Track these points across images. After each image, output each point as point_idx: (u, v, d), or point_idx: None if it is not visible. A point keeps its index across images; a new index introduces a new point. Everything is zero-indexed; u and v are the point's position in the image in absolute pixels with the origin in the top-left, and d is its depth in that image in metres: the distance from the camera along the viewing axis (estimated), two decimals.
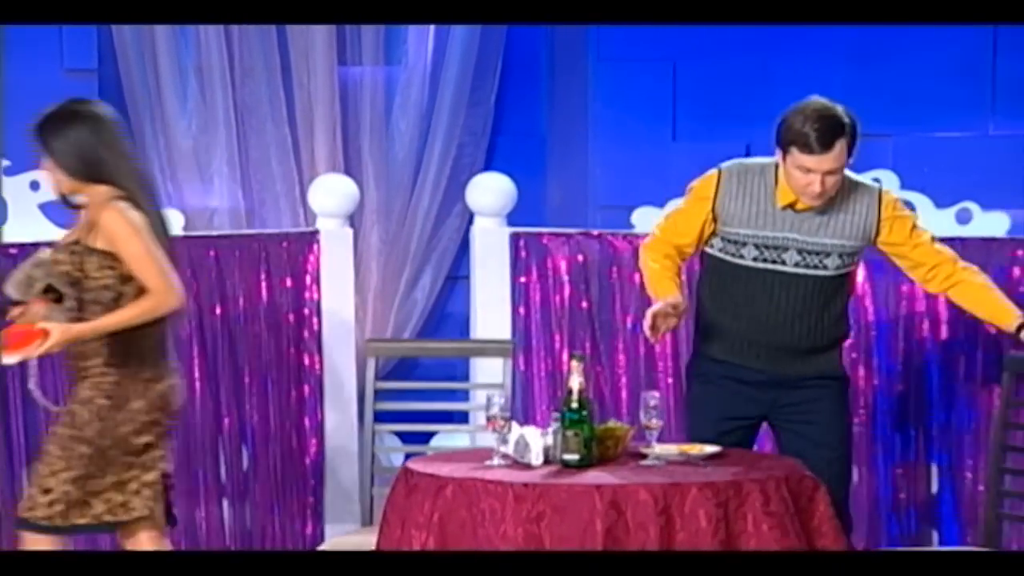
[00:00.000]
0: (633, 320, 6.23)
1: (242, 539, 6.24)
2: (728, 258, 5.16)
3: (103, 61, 6.56)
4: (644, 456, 4.96)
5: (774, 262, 5.12)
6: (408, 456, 5.57)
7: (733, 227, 5.14)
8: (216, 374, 6.20)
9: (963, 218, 6.09)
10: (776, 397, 5.17)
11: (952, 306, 5.94)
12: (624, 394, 6.18)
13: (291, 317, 6.25)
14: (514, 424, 5.02)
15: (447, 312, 6.72)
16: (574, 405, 4.88)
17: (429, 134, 6.65)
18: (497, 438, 4.96)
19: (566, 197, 6.77)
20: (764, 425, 5.29)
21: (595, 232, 6.32)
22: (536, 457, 4.91)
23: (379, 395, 5.91)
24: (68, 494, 4.88)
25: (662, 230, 5.27)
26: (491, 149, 6.75)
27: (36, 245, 5.41)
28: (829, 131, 4.98)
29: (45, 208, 6.36)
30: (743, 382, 5.18)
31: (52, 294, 4.90)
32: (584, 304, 6.27)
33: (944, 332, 6.06)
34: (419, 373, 6.54)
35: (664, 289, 5.13)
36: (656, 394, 4.99)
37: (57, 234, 5.66)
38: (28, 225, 6.34)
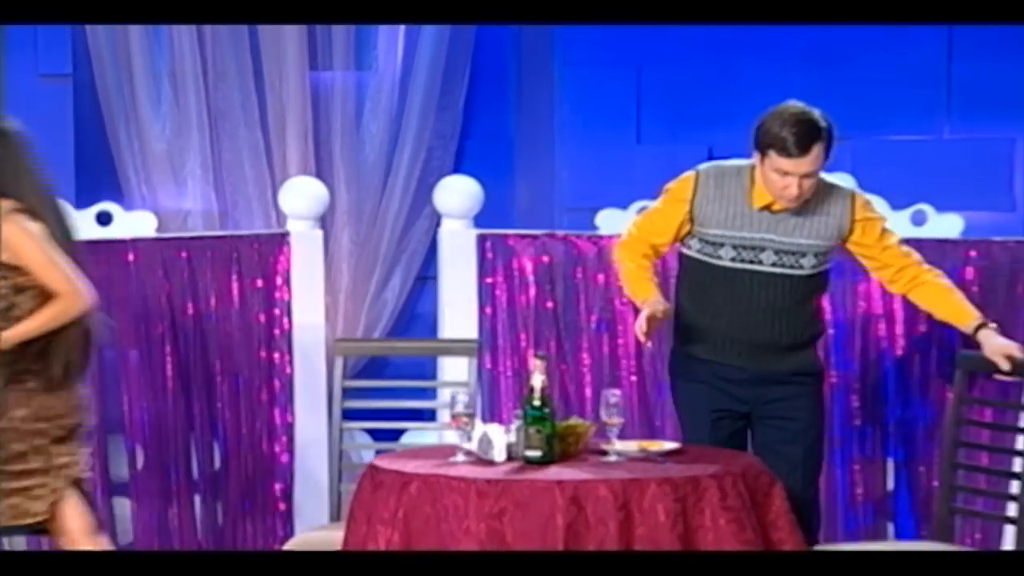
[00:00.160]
0: (597, 319, 6.25)
1: (213, 536, 6.24)
2: (706, 259, 5.18)
3: (78, 66, 6.55)
4: (605, 453, 4.97)
5: (751, 262, 5.14)
6: (379, 453, 5.58)
7: (710, 228, 5.16)
8: (188, 373, 6.20)
9: (918, 220, 6.11)
10: (758, 394, 5.19)
11: (908, 307, 5.98)
12: (588, 392, 6.19)
13: (262, 317, 6.25)
14: (478, 421, 5.04)
15: (417, 312, 6.74)
16: (536, 403, 4.89)
17: (399, 138, 6.66)
18: (461, 435, 4.98)
19: (533, 199, 6.78)
20: None
21: (560, 234, 6.33)
22: (499, 454, 4.92)
23: (348, 393, 5.90)
24: None
25: (639, 229, 5.28)
26: (460, 152, 6.77)
27: None
28: (807, 135, 5.00)
29: None
30: (726, 380, 5.20)
31: None
32: (549, 304, 6.28)
33: (900, 332, 6.08)
34: (389, 372, 6.55)
35: (644, 290, 5.16)
36: (617, 392, 5.01)
37: None
38: None
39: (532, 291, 6.29)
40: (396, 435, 6.27)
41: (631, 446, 5.03)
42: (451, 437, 5.05)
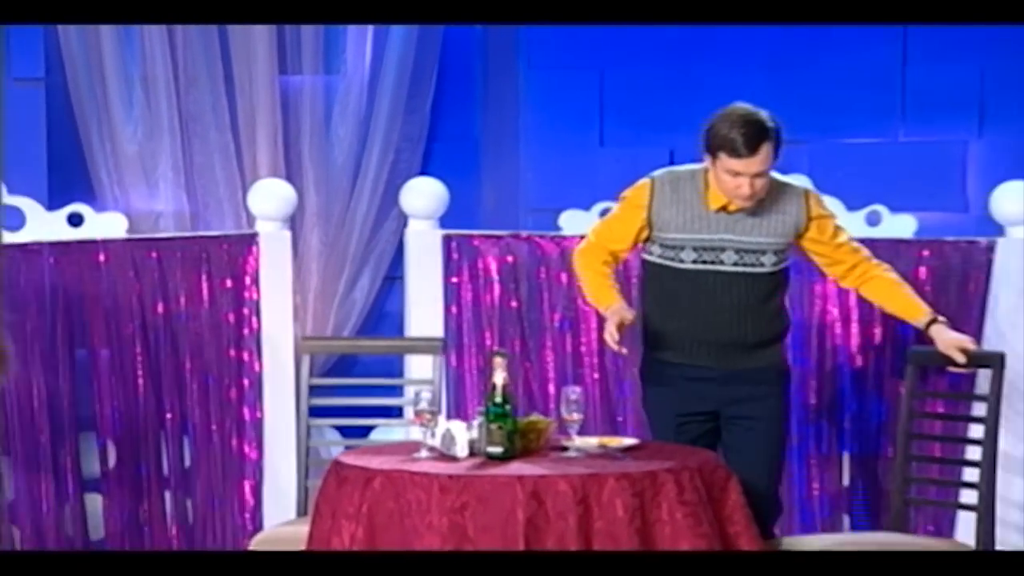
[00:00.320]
0: (560, 318, 6.26)
1: (183, 531, 6.24)
2: (668, 263, 5.18)
3: (50, 71, 6.54)
4: (565, 448, 4.99)
5: (713, 263, 5.14)
6: (348, 450, 5.58)
7: (669, 232, 5.16)
8: (159, 371, 6.19)
9: (872, 220, 6.13)
10: (726, 394, 5.19)
11: (863, 306, 6.02)
12: (552, 389, 6.19)
13: (231, 316, 6.24)
14: (441, 418, 5.06)
15: (385, 311, 6.74)
16: (498, 400, 4.91)
17: (367, 140, 6.67)
18: (424, 432, 4.99)
19: (499, 200, 6.79)
20: None
21: (524, 234, 6.34)
22: (462, 450, 4.94)
23: (316, 391, 5.92)
24: None
25: (598, 236, 5.29)
26: (427, 154, 6.77)
27: None
28: (755, 135, 5.02)
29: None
30: (695, 380, 5.20)
31: None
32: (513, 303, 6.29)
33: (855, 331, 6.11)
34: (358, 370, 6.55)
35: (606, 297, 5.16)
36: (577, 389, 5.03)
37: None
38: None
39: (497, 290, 6.30)
40: (364, 432, 6.27)
41: (591, 442, 5.05)
42: (417, 434, 5.05)
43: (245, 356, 6.26)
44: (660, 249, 5.19)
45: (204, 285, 6.23)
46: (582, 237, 6.21)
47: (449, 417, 5.74)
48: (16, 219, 6.19)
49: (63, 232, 6.22)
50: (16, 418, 6.03)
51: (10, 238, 6.07)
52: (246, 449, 6.27)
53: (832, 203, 5.59)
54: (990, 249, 5.95)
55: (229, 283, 6.25)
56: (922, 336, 5.87)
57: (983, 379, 5.71)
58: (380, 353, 6.38)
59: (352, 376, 6.38)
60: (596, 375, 6.24)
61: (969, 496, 5.47)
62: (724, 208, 5.12)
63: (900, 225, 6.10)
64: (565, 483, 4.70)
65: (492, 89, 6.78)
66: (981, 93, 6.43)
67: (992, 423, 5.27)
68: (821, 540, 5.39)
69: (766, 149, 5.02)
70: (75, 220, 6.29)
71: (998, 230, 6.03)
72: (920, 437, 5.56)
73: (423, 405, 5.00)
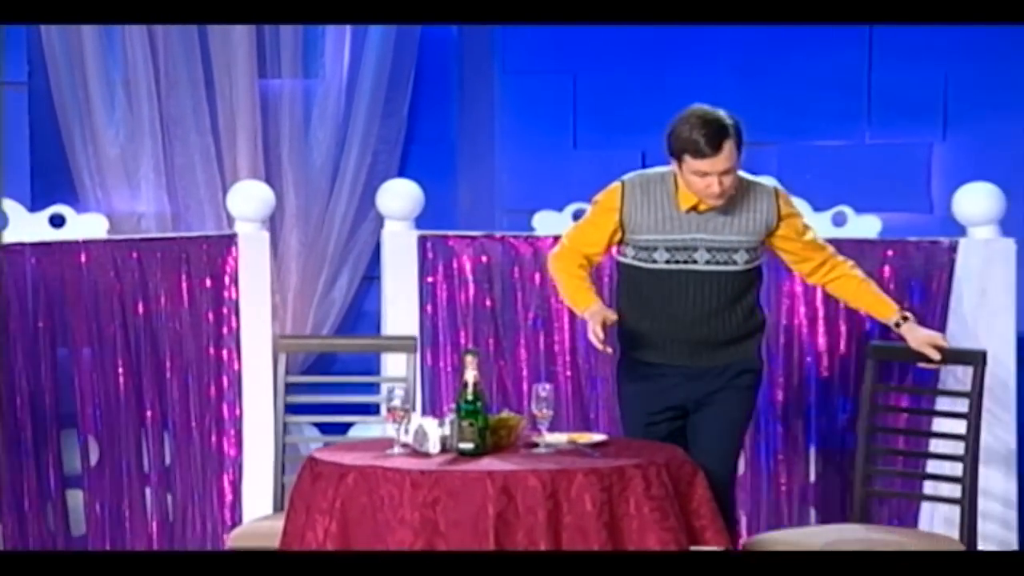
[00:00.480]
0: (533, 317, 6.28)
1: (164, 526, 6.25)
2: (641, 264, 5.19)
3: (33, 74, 6.55)
4: (536, 445, 5.01)
5: (686, 262, 5.15)
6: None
7: (642, 234, 5.17)
8: (139, 369, 6.20)
9: (838, 220, 6.16)
10: (697, 388, 5.20)
11: (828, 304, 6.05)
12: (525, 387, 6.21)
13: (210, 316, 6.25)
14: (413, 415, 5.07)
15: (363, 310, 6.76)
16: (469, 397, 4.93)
17: (345, 143, 6.68)
18: (397, 428, 5.00)
19: (474, 201, 6.82)
20: None
21: (498, 235, 6.36)
22: (434, 446, 4.95)
23: (296, 389, 5.93)
24: None
25: (571, 240, 5.29)
26: (404, 157, 6.79)
27: None
28: (716, 134, 5.03)
29: None
30: (667, 377, 5.20)
31: None
32: (488, 302, 6.31)
33: (821, 328, 6.13)
34: (337, 368, 6.56)
35: (584, 299, 5.17)
36: (547, 386, 5.05)
37: None
38: None
39: (471, 290, 6.31)
40: (343, 429, 6.28)
41: (561, 438, 5.07)
42: (391, 430, 5.07)
43: (224, 354, 6.27)
44: (633, 251, 5.20)
45: (184, 285, 6.24)
46: (556, 238, 6.25)
47: (426, 414, 5.76)
48: None
49: (45, 233, 6.23)
50: None
51: None
52: (225, 446, 6.27)
53: (799, 204, 5.60)
54: (952, 249, 5.98)
55: (208, 283, 6.26)
56: (887, 332, 5.92)
57: (946, 374, 5.76)
58: (355, 351, 6.40)
59: (331, 374, 6.39)
60: (568, 373, 6.26)
61: (931, 488, 5.54)
62: (695, 208, 5.14)
63: (865, 226, 6.13)
64: (535, 478, 4.72)
65: (468, 93, 6.80)
66: (945, 96, 6.47)
67: (975, 419, 5.32)
68: (787, 535, 5.43)
69: (729, 146, 5.04)
70: (57, 221, 6.29)
71: (961, 231, 6.06)
72: (881, 430, 5.59)
73: (396, 402, 5.01)
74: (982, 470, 5.37)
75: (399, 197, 6.40)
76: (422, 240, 6.34)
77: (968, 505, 5.30)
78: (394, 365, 6.12)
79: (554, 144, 6.72)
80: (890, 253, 5.99)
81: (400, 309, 6.32)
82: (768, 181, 5.30)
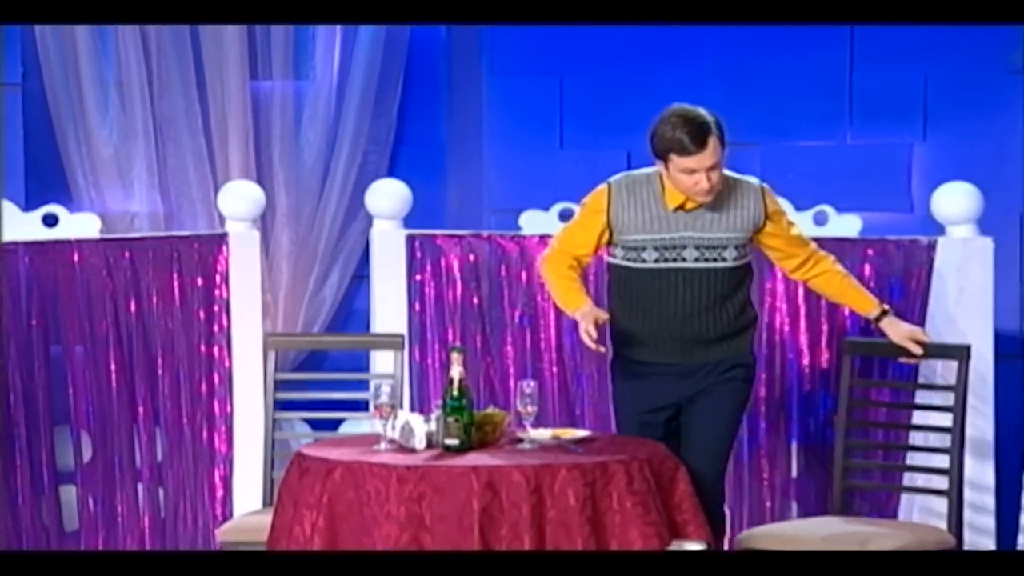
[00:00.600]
0: (520, 315, 6.29)
1: (156, 521, 6.25)
2: (631, 264, 5.18)
3: (28, 76, 6.56)
4: (520, 440, 5.02)
5: (675, 260, 5.14)
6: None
7: (630, 234, 5.16)
8: (131, 366, 6.21)
9: (819, 220, 6.17)
10: (689, 385, 5.19)
11: (809, 301, 6.06)
12: (512, 383, 6.22)
13: (202, 314, 6.25)
14: (400, 411, 5.08)
15: (354, 308, 6.77)
16: (455, 394, 4.94)
17: (336, 143, 6.69)
18: (384, 424, 5.01)
19: (463, 201, 6.83)
20: None
21: (485, 234, 6.37)
22: (420, 442, 4.96)
23: (288, 385, 5.95)
24: None
25: (561, 243, 5.27)
26: (394, 157, 6.80)
27: None
28: (699, 131, 5.03)
29: None
30: (660, 375, 5.19)
31: None
32: (475, 300, 6.31)
33: (803, 325, 6.15)
34: (328, 365, 6.58)
35: (574, 300, 5.15)
36: (532, 383, 5.05)
37: None
38: None
39: (459, 288, 6.32)
40: (334, 425, 6.29)
41: (545, 434, 5.08)
42: (378, 426, 5.08)
43: (215, 352, 6.28)
44: (623, 251, 5.19)
45: (175, 283, 6.25)
46: (542, 237, 6.28)
47: (414, 410, 5.78)
48: None
49: (38, 232, 6.24)
50: None
51: None
52: (216, 442, 6.28)
53: (782, 203, 5.63)
54: (931, 248, 5.99)
55: (200, 281, 6.27)
56: (867, 329, 5.94)
57: (926, 369, 5.79)
58: (343, 349, 6.41)
59: (322, 371, 6.40)
60: (555, 369, 6.27)
61: (911, 479, 5.58)
62: (682, 207, 5.13)
63: (846, 225, 6.15)
64: (519, 474, 4.73)
65: (456, 94, 6.81)
66: (925, 97, 6.48)
67: (960, 412, 5.35)
68: (770, 529, 5.45)
69: (713, 141, 5.04)
70: (50, 221, 6.30)
71: (940, 230, 6.08)
72: (858, 424, 5.62)
73: (383, 399, 5.02)
74: (942, 459, 5.42)
75: (387, 197, 6.41)
76: (410, 239, 6.35)
77: (956, 496, 5.34)
78: (383, 362, 6.13)
79: (541, 144, 6.73)
80: (870, 252, 6.00)
81: (389, 307, 6.33)
82: (753, 179, 5.31)
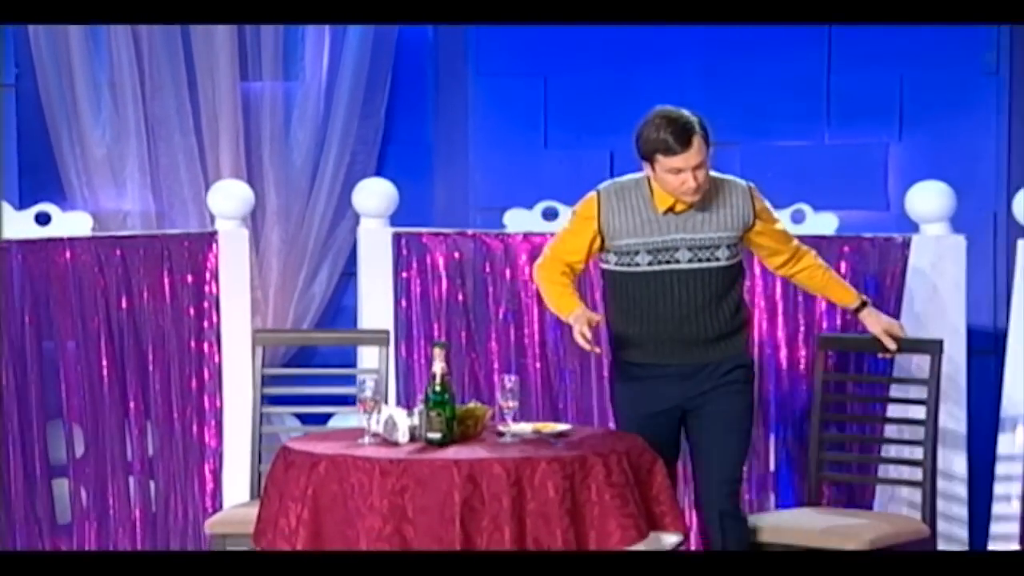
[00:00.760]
0: (504, 311, 6.30)
1: (147, 514, 6.25)
2: (625, 268, 5.14)
3: (21, 76, 6.57)
4: (501, 434, 5.03)
5: (668, 262, 5.10)
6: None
7: (622, 239, 5.12)
8: (123, 362, 6.21)
9: (797, 218, 6.18)
10: (689, 387, 5.13)
11: (786, 298, 6.07)
12: (496, 378, 6.22)
13: (192, 310, 6.26)
14: (384, 405, 5.09)
15: (343, 305, 6.78)
16: (437, 388, 4.95)
17: (325, 143, 6.70)
18: (367, 418, 5.02)
19: (449, 199, 6.84)
20: None
21: (470, 232, 6.38)
22: (403, 436, 4.97)
23: (277, 381, 5.96)
24: None
25: (553, 251, 5.23)
26: (381, 157, 6.81)
27: None
28: (683, 130, 5.02)
29: None
30: (660, 378, 5.14)
31: None
32: (460, 297, 6.32)
33: (780, 323, 6.16)
34: (317, 360, 6.59)
35: (567, 305, 5.12)
36: (513, 377, 5.06)
37: None
38: None
39: (444, 285, 6.33)
40: (323, 419, 6.30)
41: (526, 428, 5.08)
42: (363, 420, 5.08)
43: (205, 348, 6.29)
44: (616, 257, 5.15)
45: (166, 281, 6.26)
46: (526, 235, 6.29)
47: (401, 405, 5.78)
48: None
49: (31, 231, 6.24)
50: None
51: None
52: (206, 436, 6.29)
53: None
54: (906, 245, 6.01)
55: (190, 279, 6.27)
56: (843, 323, 5.97)
57: (903, 362, 5.81)
58: (329, 344, 6.42)
59: (312, 366, 6.41)
60: (538, 364, 6.28)
61: (886, 471, 5.60)
62: (672, 209, 5.10)
63: (822, 223, 6.16)
64: (500, 466, 4.74)
65: (443, 95, 6.82)
66: (901, 98, 6.50)
67: (933, 405, 5.37)
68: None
69: (697, 140, 5.02)
70: (42, 219, 6.31)
71: (914, 228, 6.09)
72: (830, 417, 5.64)
73: (367, 393, 5.03)
74: (914, 450, 5.45)
75: (374, 195, 6.42)
76: (397, 237, 6.36)
77: (929, 487, 5.36)
78: (370, 358, 6.14)
79: (526, 144, 6.74)
80: (846, 249, 6.02)
81: (376, 303, 6.34)
82: (740, 179, 5.30)
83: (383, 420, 5.00)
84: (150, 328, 6.23)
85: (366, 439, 4.99)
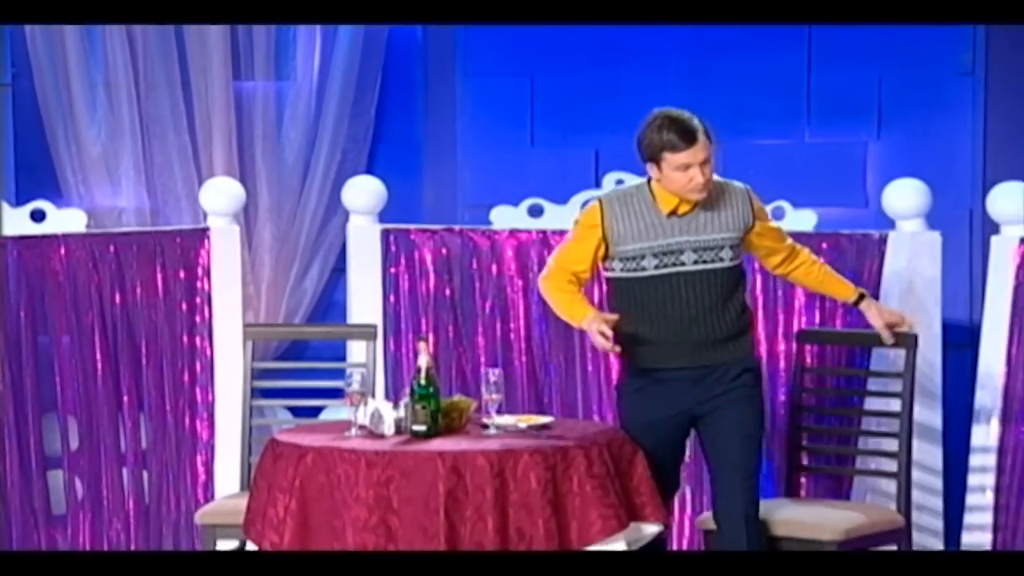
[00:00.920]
0: (491, 306, 6.30)
1: (140, 505, 6.26)
2: (631, 274, 5.07)
3: (18, 76, 6.58)
4: (485, 426, 5.04)
5: (674, 265, 5.04)
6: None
7: (628, 244, 5.05)
8: (116, 356, 6.22)
9: (777, 215, 6.16)
10: (702, 390, 5.06)
11: (767, 295, 6.08)
12: (483, 371, 6.22)
13: (184, 305, 6.27)
14: (370, 398, 5.10)
15: (333, 300, 6.79)
16: (422, 381, 4.97)
17: (316, 142, 6.71)
18: (354, 411, 5.04)
19: (438, 197, 6.85)
20: None
21: (456, 228, 6.39)
22: (389, 428, 4.99)
23: (267, 374, 5.97)
24: None
25: (557, 262, 5.15)
26: (371, 155, 6.82)
27: None
28: (687, 127, 5.00)
29: None
30: (669, 382, 5.06)
31: None
32: (447, 292, 6.33)
33: (760, 318, 6.15)
34: (309, 354, 6.60)
35: (580, 311, 5.05)
36: (497, 371, 5.07)
37: None
38: None
39: (432, 280, 6.34)
40: (314, 412, 6.31)
41: (508, 420, 5.10)
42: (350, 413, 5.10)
43: (198, 342, 6.29)
44: (620, 263, 5.08)
45: (159, 276, 6.26)
46: (512, 231, 6.29)
47: (389, 398, 5.79)
48: None
49: (27, 227, 6.25)
50: None
51: None
52: (199, 428, 6.30)
53: None
54: (883, 241, 6.02)
55: (182, 274, 6.28)
56: (822, 318, 5.98)
57: (877, 356, 5.83)
58: (317, 339, 6.44)
59: (303, 360, 6.42)
60: (524, 358, 6.29)
61: (862, 463, 5.62)
62: (675, 212, 5.05)
63: (801, 219, 6.17)
64: (483, 458, 4.76)
65: (432, 95, 6.83)
66: (879, 98, 6.50)
67: (908, 398, 5.39)
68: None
69: (701, 136, 5.01)
70: (37, 216, 6.32)
71: (891, 224, 6.10)
72: (806, 410, 5.66)
73: (354, 387, 5.05)
74: (890, 442, 5.46)
75: (363, 193, 6.43)
76: (385, 233, 6.37)
77: (904, 478, 5.38)
78: (358, 352, 6.15)
79: (513, 142, 6.75)
80: (824, 246, 6.02)
81: (365, 298, 6.35)
82: (737, 182, 5.27)
83: (369, 413, 5.01)
84: (143, 323, 6.24)
85: (353, 431, 5.00)
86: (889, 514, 5.41)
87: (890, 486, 5.55)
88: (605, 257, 5.11)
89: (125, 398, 6.24)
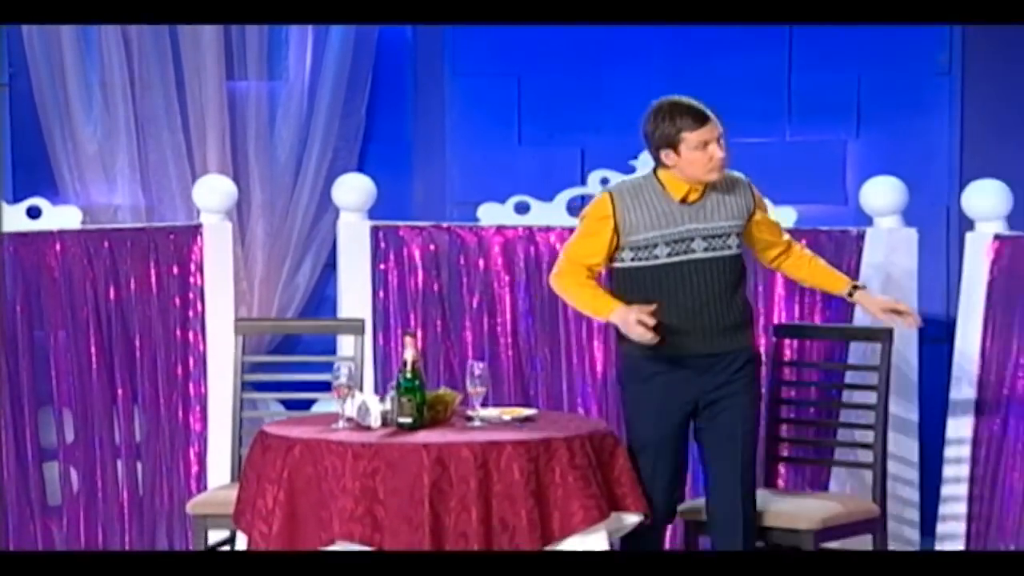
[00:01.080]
0: (478, 301, 6.31)
1: (134, 496, 6.27)
2: (642, 263, 5.01)
3: (15, 76, 6.59)
4: (470, 419, 5.05)
5: (685, 252, 5.00)
6: None
7: (640, 233, 4.99)
8: (111, 350, 6.22)
9: None
10: (708, 380, 5.02)
11: (749, 290, 6.08)
12: (468, 365, 6.23)
13: (177, 300, 6.27)
14: (357, 391, 5.11)
15: (325, 295, 6.79)
16: (408, 375, 4.98)
17: (307, 140, 6.72)
18: (341, 404, 5.04)
19: (427, 194, 6.86)
20: None
21: (445, 225, 6.40)
22: (375, 420, 4.99)
23: (259, 368, 5.97)
24: None
25: (570, 257, 5.07)
26: (362, 153, 6.83)
27: None
28: (697, 107, 4.99)
29: None
30: (677, 370, 5.01)
31: None
32: (435, 287, 6.34)
33: None
34: (300, 348, 6.60)
35: (605, 304, 4.98)
36: (482, 364, 5.08)
37: None
38: None
39: (420, 276, 6.35)
40: (306, 405, 6.30)
41: (493, 413, 5.11)
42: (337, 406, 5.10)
43: (190, 336, 6.30)
44: (631, 252, 5.01)
45: (153, 272, 6.26)
46: (498, 228, 6.30)
47: (378, 391, 5.80)
48: None
49: (23, 224, 6.26)
50: None
51: None
52: (191, 421, 6.31)
53: None
54: (860, 238, 6.03)
55: (176, 270, 6.28)
56: (802, 313, 5.99)
57: (855, 350, 5.84)
58: (307, 333, 6.44)
59: (294, 354, 6.42)
60: (510, 352, 6.30)
61: (842, 454, 5.66)
62: (685, 199, 5.01)
63: (781, 216, 6.16)
64: (467, 450, 4.77)
65: (421, 94, 6.84)
66: (859, 97, 6.52)
67: (884, 390, 5.39)
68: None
69: (711, 114, 4.99)
70: (34, 213, 6.32)
71: (869, 221, 6.12)
72: (784, 401, 5.68)
73: (341, 380, 5.05)
74: (890, 436, 5.48)
75: (353, 190, 6.43)
76: (375, 230, 6.37)
77: (880, 469, 5.40)
78: (347, 346, 6.15)
79: (500, 141, 6.76)
80: (804, 242, 5.98)
81: (354, 294, 6.35)
82: (737, 172, 5.20)
83: (356, 405, 5.02)
84: (137, 317, 6.24)
85: (340, 424, 5.01)
86: (865, 504, 5.43)
87: (867, 477, 5.56)
88: (615, 248, 5.04)
89: (119, 391, 6.24)
